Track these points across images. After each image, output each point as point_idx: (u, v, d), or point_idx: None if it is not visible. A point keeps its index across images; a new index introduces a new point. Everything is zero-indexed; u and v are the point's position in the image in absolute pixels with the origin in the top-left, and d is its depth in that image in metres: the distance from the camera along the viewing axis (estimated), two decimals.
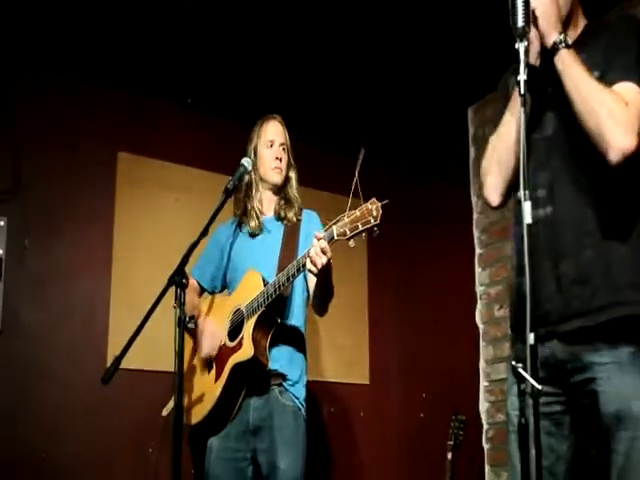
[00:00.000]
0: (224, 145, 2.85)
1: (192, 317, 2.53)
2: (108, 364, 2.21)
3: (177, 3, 2.99)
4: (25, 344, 3.16)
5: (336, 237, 2.20)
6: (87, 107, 3.54)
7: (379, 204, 2.12)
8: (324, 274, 2.32)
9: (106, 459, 3.22)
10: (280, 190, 2.74)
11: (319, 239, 2.22)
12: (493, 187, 1.88)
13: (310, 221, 2.71)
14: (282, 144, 2.73)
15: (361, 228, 2.13)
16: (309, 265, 2.25)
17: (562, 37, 1.65)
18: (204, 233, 2.41)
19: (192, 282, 2.70)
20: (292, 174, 2.75)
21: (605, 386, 1.65)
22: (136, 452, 3.28)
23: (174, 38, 3.26)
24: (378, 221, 2.11)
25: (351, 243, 2.18)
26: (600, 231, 1.70)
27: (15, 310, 3.17)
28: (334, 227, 2.21)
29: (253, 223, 2.68)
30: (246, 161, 2.55)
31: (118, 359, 2.16)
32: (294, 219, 2.69)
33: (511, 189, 1.86)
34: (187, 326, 2.32)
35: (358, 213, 2.15)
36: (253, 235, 2.71)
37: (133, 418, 3.31)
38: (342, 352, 4.05)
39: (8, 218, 3.22)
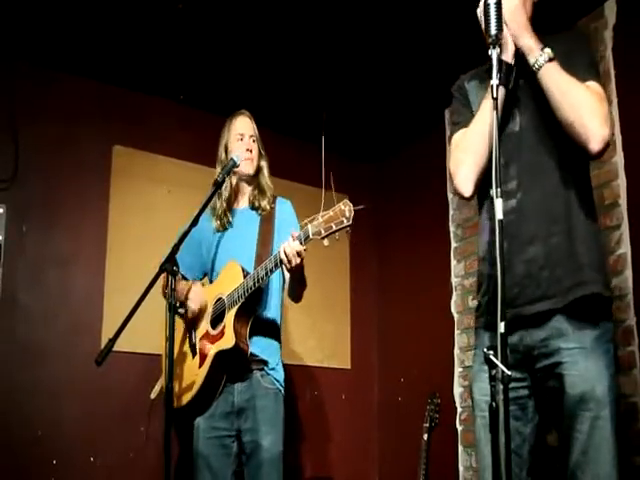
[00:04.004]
0: (214, 140, 2.93)
1: (182, 303, 2.62)
2: (102, 346, 2.26)
3: (170, 4, 3.06)
4: (23, 326, 3.22)
5: (311, 236, 2.25)
6: (85, 102, 3.59)
7: (351, 205, 2.15)
8: (297, 270, 2.41)
9: (99, 436, 3.29)
10: (253, 180, 2.79)
11: (294, 239, 2.29)
12: (467, 178, 1.93)
13: (283, 210, 2.77)
14: (251, 136, 2.79)
15: (335, 228, 2.17)
16: (285, 262, 2.33)
17: (541, 51, 1.77)
18: (194, 223, 2.47)
19: None
20: (263, 163, 2.81)
21: (571, 370, 1.74)
22: (128, 430, 3.35)
23: (167, 37, 3.32)
24: (351, 222, 2.14)
25: (325, 242, 2.22)
26: (565, 218, 1.82)
27: (13, 294, 3.22)
28: (309, 226, 2.25)
29: (227, 214, 2.75)
30: (235, 155, 2.63)
31: (111, 341, 2.21)
32: (267, 207, 2.74)
33: (481, 180, 1.93)
34: (178, 311, 2.40)
35: (332, 213, 2.19)
36: (228, 226, 2.76)
37: (125, 397, 3.35)
38: (325, 338, 4.11)
39: (7, 205, 3.27)
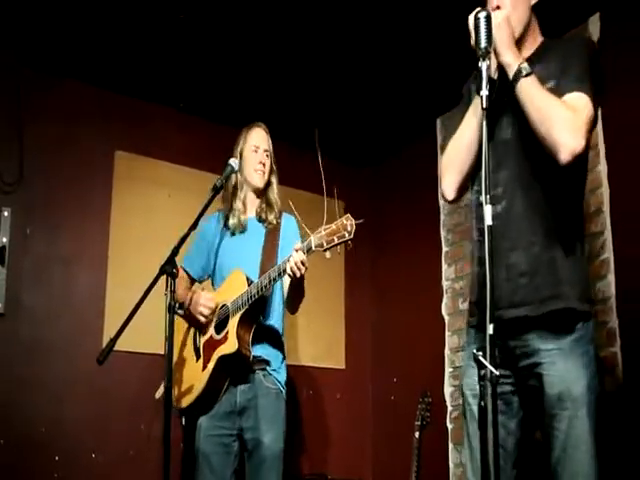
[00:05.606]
0: (213, 146, 3.00)
1: (182, 304, 2.67)
2: (104, 346, 2.30)
3: (172, 15, 3.14)
4: (26, 326, 3.28)
5: (314, 248, 2.31)
6: (88, 108, 3.66)
7: (353, 220, 2.22)
8: (299, 280, 2.48)
9: (101, 434, 3.35)
10: (262, 193, 2.85)
11: (297, 250, 2.36)
12: (450, 183, 2.00)
13: (288, 225, 2.83)
14: (266, 150, 2.84)
15: (337, 241, 2.24)
16: (289, 272, 2.39)
17: (518, 67, 1.82)
18: (193, 227, 2.51)
19: (182, 272, 2.79)
20: (273, 179, 2.86)
21: (550, 370, 1.79)
22: (129, 428, 3.41)
23: (169, 47, 3.40)
24: (352, 236, 2.21)
25: (327, 254, 2.28)
26: (548, 229, 1.86)
27: (17, 294, 3.28)
28: (312, 238, 2.32)
29: (235, 222, 2.79)
30: (233, 161, 2.67)
31: (112, 341, 2.25)
32: (274, 222, 2.80)
33: (466, 185, 2.00)
34: (177, 312, 2.41)
35: (334, 227, 2.25)
36: (234, 233, 2.80)
37: (126, 396, 3.41)
38: (320, 339, 4.18)
39: (12, 208, 3.32)
